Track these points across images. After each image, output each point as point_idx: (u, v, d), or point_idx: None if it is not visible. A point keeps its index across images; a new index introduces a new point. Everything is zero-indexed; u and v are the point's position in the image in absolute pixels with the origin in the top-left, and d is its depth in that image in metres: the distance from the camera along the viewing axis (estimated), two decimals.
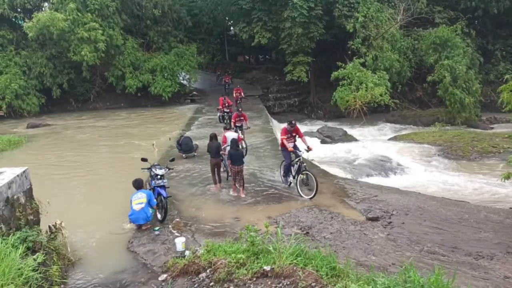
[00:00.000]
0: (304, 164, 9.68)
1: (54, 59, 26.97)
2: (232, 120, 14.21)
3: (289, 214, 8.27)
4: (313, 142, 18.87)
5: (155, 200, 8.00)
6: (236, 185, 9.49)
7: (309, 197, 9.17)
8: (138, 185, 7.99)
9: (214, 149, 9.99)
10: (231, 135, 10.62)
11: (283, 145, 9.81)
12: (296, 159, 9.59)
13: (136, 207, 7.64)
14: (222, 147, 10.35)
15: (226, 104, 18.64)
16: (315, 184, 9.11)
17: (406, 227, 7.52)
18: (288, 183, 10.05)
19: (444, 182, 12.84)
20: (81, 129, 21.47)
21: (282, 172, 10.28)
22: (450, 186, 12.44)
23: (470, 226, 7.75)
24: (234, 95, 22.70)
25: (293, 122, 9.91)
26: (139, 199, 7.71)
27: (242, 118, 14.08)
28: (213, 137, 10.29)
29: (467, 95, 23.15)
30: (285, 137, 9.68)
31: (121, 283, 5.86)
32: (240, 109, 15.27)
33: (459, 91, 23.07)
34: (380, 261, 6.00)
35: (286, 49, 27.77)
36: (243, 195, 9.39)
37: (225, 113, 18.37)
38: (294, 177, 9.75)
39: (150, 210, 7.77)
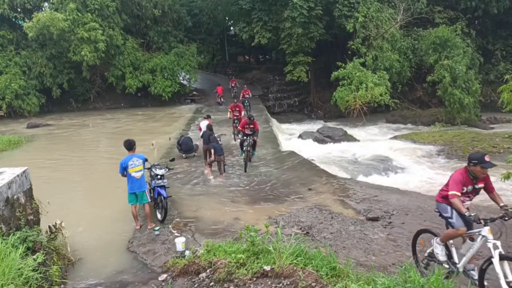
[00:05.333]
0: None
1: (54, 59, 27.01)
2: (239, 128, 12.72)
3: (289, 214, 8.26)
4: (309, 142, 19.03)
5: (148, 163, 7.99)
6: (221, 170, 11.24)
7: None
8: (129, 146, 7.56)
9: (206, 137, 11.66)
10: (204, 123, 13.10)
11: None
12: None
13: (137, 175, 7.48)
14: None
15: (251, 126, 12.50)
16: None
17: (406, 227, 7.52)
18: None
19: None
20: (81, 129, 21.48)
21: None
22: None
23: None
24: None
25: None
26: (137, 167, 7.48)
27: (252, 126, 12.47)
28: (209, 128, 12.27)
29: (466, 95, 23.15)
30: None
31: (121, 283, 5.86)
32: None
33: (459, 91, 23.08)
34: (380, 261, 6.00)
35: (286, 49, 27.81)
36: (222, 178, 11.05)
37: (247, 137, 12.29)
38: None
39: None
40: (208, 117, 14.04)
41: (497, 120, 24.36)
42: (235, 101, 18.27)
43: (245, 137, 12.18)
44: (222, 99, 27.16)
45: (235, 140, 15.16)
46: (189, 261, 5.73)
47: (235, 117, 16.50)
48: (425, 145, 17.41)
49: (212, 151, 11.02)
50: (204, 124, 13.15)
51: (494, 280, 5.36)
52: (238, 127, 13.15)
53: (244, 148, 12.08)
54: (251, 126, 12.43)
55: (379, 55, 24.86)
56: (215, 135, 12.05)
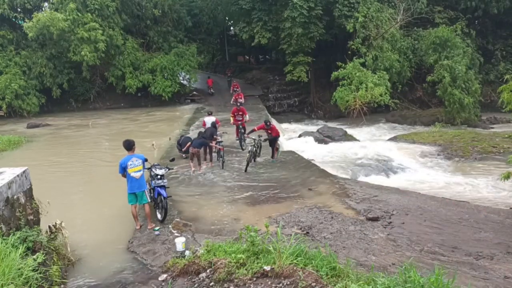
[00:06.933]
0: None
1: (54, 59, 27.00)
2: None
3: (289, 214, 8.26)
4: (309, 142, 19.01)
5: (148, 164, 8.03)
6: (197, 162, 11.87)
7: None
8: (129, 146, 7.57)
9: (208, 134, 12.20)
10: (209, 119, 14.02)
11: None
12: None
13: (136, 175, 7.48)
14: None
15: (268, 131, 13.00)
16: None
17: (406, 227, 7.52)
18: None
19: (444, 182, 12.84)
20: (81, 129, 21.48)
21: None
22: (450, 186, 12.43)
23: (470, 226, 7.75)
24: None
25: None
26: (136, 167, 7.49)
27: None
28: (213, 125, 12.84)
29: (466, 95, 23.16)
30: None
31: (121, 283, 5.86)
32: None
33: (458, 91, 23.09)
34: (380, 261, 6.00)
35: (286, 49, 27.79)
36: (201, 170, 11.77)
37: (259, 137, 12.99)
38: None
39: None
40: (210, 113, 15.26)
41: (497, 120, 24.37)
42: (238, 104, 17.41)
43: (257, 137, 12.55)
44: (212, 90, 31.19)
45: (242, 148, 14.45)
46: (189, 261, 5.73)
47: (238, 123, 15.07)
48: (425, 145, 17.41)
49: (188, 143, 12.14)
50: (209, 120, 14.04)
51: (493, 280, 5.37)
52: (255, 128, 12.86)
53: (249, 148, 12.18)
54: (269, 131, 12.48)
55: (379, 55, 24.86)
56: (218, 132, 12.88)
